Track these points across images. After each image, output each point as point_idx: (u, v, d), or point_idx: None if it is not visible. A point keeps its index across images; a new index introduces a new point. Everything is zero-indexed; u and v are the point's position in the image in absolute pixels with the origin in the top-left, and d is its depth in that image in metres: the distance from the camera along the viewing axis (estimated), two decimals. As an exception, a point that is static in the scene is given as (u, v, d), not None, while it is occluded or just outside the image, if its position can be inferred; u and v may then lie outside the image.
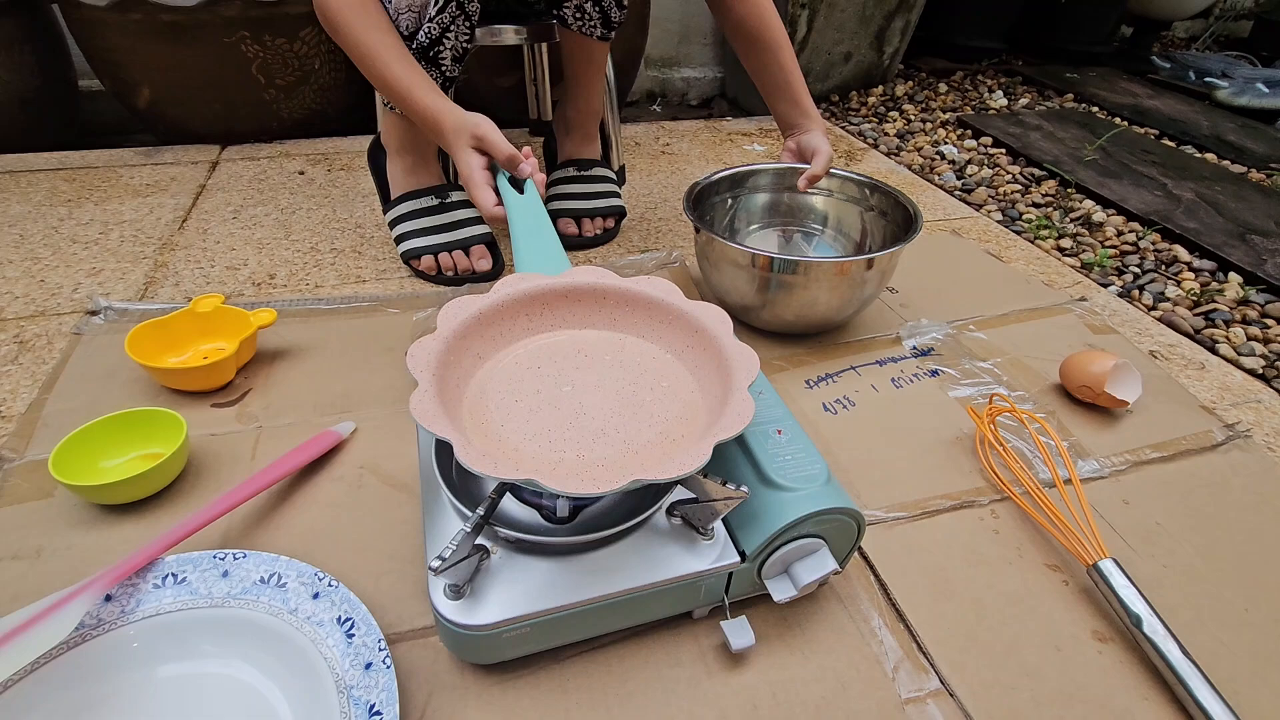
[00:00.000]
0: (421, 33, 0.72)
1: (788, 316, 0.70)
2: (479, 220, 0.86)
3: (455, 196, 0.87)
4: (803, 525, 0.43)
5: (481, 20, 0.78)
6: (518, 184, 0.67)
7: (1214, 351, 0.80)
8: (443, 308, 0.47)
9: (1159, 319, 0.85)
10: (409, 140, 0.85)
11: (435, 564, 0.36)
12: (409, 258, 0.84)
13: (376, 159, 0.88)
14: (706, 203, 0.81)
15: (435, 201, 0.86)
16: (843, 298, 0.67)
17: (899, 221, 0.75)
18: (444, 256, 0.83)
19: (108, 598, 0.41)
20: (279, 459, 0.53)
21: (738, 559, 0.43)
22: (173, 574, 0.43)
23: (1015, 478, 0.56)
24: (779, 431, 0.48)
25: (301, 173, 1.10)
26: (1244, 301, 0.90)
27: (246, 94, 1.15)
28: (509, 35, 0.91)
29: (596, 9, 0.84)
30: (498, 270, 0.85)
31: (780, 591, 0.44)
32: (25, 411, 0.60)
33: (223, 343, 0.66)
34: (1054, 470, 0.54)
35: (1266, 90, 1.56)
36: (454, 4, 0.71)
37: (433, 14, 0.71)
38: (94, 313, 0.73)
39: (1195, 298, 0.91)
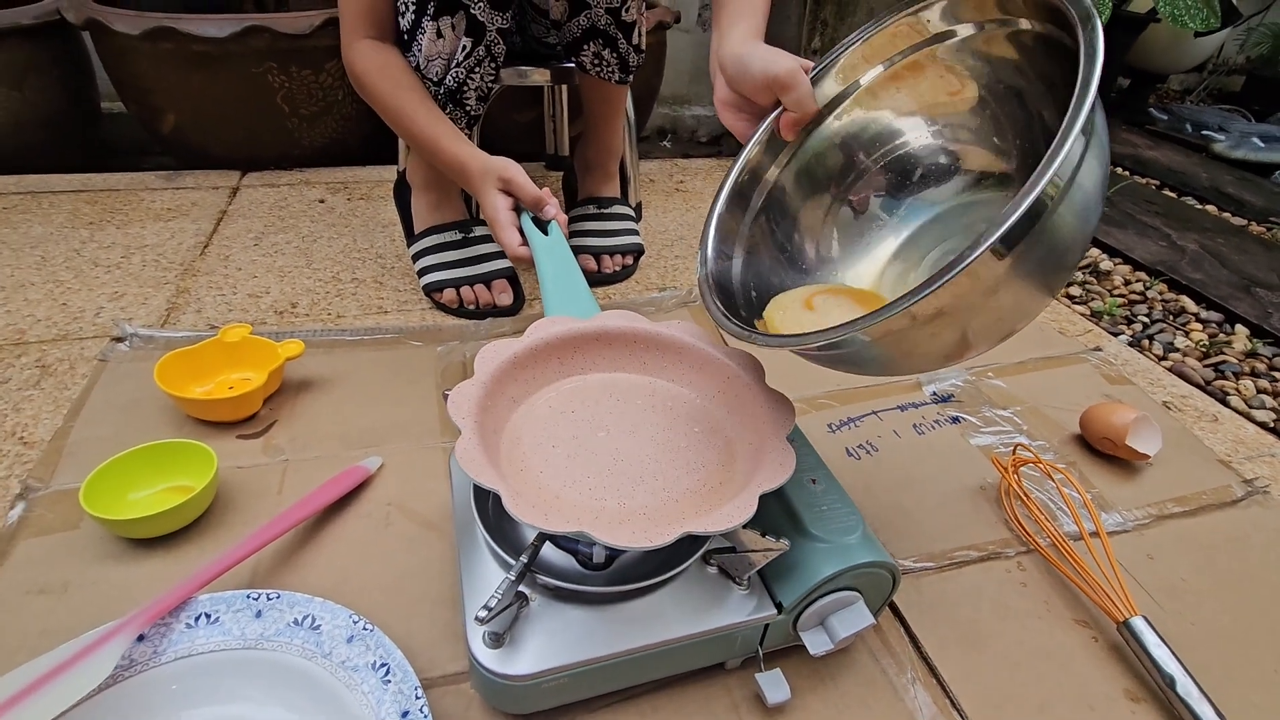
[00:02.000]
0: (449, 77, 0.74)
1: (928, 365, 0.42)
2: (500, 255, 0.87)
3: (478, 231, 0.88)
4: (840, 578, 0.43)
5: (505, 62, 0.80)
6: (541, 225, 0.68)
7: (1225, 404, 0.81)
8: (479, 352, 0.47)
9: (1170, 369, 0.86)
10: (433, 178, 0.86)
11: (482, 614, 0.36)
12: (431, 290, 0.85)
13: (402, 195, 0.90)
14: (736, 231, 0.49)
15: (458, 236, 0.87)
16: (991, 310, 0.35)
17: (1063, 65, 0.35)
18: (466, 290, 0.84)
19: (140, 637, 0.41)
20: (308, 495, 0.53)
21: (774, 611, 0.43)
22: (206, 614, 0.42)
23: (1041, 530, 0.57)
24: (813, 481, 0.48)
25: (322, 201, 1.11)
26: (1252, 354, 0.91)
27: (270, 122, 1.17)
28: (535, 77, 0.93)
29: (614, 55, 0.86)
30: (518, 304, 0.86)
31: (817, 645, 0.44)
32: (51, 440, 0.60)
33: (249, 373, 0.66)
34: (1080, 523, 0.54)
35: (1262, 145, 1.61)
36: (481, 48, 0.74)
37: (460, 59, 0.73)
38: (120, 339, 0.73)
39: (1204, 349, 0.92)
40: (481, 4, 0.71)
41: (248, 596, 0.43)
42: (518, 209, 0.68)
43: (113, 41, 1.08)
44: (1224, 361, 0.89)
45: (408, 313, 0.84)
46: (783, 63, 0.45)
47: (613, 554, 0.44)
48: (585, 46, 0.85)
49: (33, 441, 0.61)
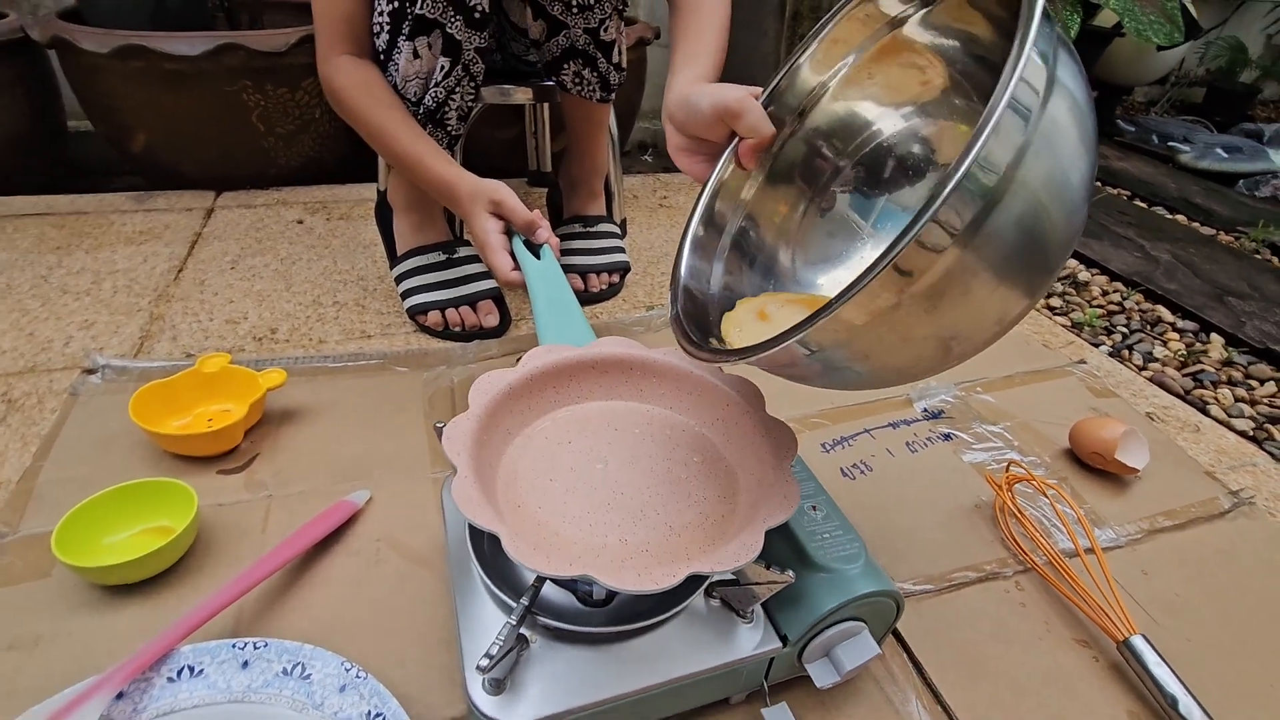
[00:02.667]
0: (428, 97, 0.73)
1: (907, 373, 0.37)
2: (486, 275, 0.86)
3: (462, 252, 0.87)
4: (845, 609, 0.42)
5: (486, 80, 0.80)
6: (534, 248, 0.67)
7: (1205, 413, 0.82)
8: (474, 384, 0.46)
9: (1150, 379, 0.88)
10: (415, 199, 0.85)
11: (483, 663, 0.35)
12: (415, 313, 0.83)
13: (383, 216, 0.88)
14: (713, 253, 0.47)
15: (443, 257, 0.85)
16: (949, 306, 0.31)
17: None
18: (451, 312, 0.83)
19: (119, 695, 0.39)
20: (294, 533, 0.51)
21: (780, 644, 0.42)
22: (189, 666, 0.40)
23: (1037, 548, 0.57)
24: (814, 508, 0.47)
25: (300, 221, 1.09)
26: (1228, 363, 0.93)
27: (244, 141, 1.14)
28: (518, 96, 0.92)
29: (594, 74, 0.85)
30: (504, 325, 0.85)
31: (823, 678, 0.43)
32: (19, 480, 0.57)
33: (229, 404, 0.64)
34: (1075, 541, 0.55)
35: (1225, 155, 1.66)
36: (459, 67, 0.73)
37: (439, 78, 0.72)
38: (91, 371, 0.70)
39: (1182, 358, 0.94)
40: (458, 22, 0.70)
41: (233, 646, 0.42)
42: (508, 232, 0.67)
43: (80, 60, 1.05)
44: (1202, 371, 0.91)
45: (391, 336, 0.82)
46: (731, 92, 0.44)
47: (613, 591, 0.43)
48: (565, 66, 0.85)
49: (-1, 482, 0.58)
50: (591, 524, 0.41)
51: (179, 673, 0.40)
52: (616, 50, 0.85)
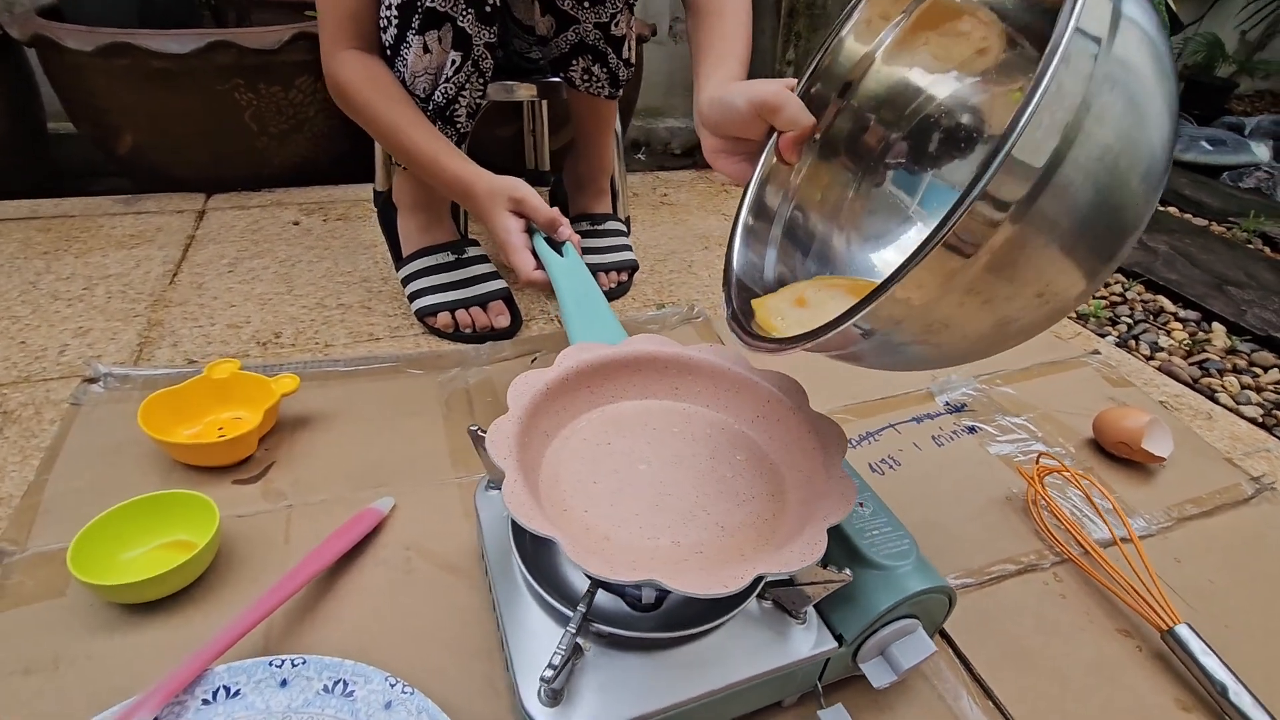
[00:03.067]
0: (438, 93, 0.71)
1: (959, 352, 0.35)
2: (496, 275, 0.84)
3: (471, 252, 0.85)
4: (901, 607, 0.41)
5: (492, 77, 0.78)
6: (555, 246, 0.66)
7: (1215, 401, 0.83)
8: (511, 385, 0.45)
9: (1158, 369, 0.88)
10: (422, 198, 0.83)
11: (548, 674, 0.34)
12: (424, 315, 0.81)
13: (387, 216, 0.86)
14: (765, 240, 0.46)
15: (452, 257, 0.84)
16: (1013, 278, 0.29)
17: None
18: (461, 313, 0.81)
19: (155, 718, 0.37)
20: (322, 544, 0.49)
21: (835, 645, 0.41)
22: (225, 687, 0.39)
23: (1072, 538, 0.57)
24: (861, 505, 0.47)
25: (296, 223, 1.06)
26: (1232, 351, 0.94)
27: (237, 142, 1.11)
28: (523, 92, 0.91)
29: (604, 70, 0.84)
30: (516, 326, 0.83)
31: (880, 677, 0.42)
32: (23, 495, 0.55)
33: (241, 412, 0.62)
34: (1112, 531, 0.55)
35: (1210, 148, 1.68)
36: (469, 64, 0.71)
37: (449, 74, 0.70)
38: (92, 380, 0.67)
39: (1188, 348, 0.95)
40: (469, 16, 0.68)
41: (269, 664, 0.40)
42: (528, 230, 0.65)
43: (62, 59, 1.01)
44: (1207, 359, 0.92)
45: (401, 339, 0.80)
46: (766, 86, 0.43)
47: (662, 594, 0.42)
48: (574, 62, 0.83)
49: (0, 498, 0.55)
50: (641, 526, 0.40)
51: (214, 694, 0.38)
52: (626, 46, 0.84)
